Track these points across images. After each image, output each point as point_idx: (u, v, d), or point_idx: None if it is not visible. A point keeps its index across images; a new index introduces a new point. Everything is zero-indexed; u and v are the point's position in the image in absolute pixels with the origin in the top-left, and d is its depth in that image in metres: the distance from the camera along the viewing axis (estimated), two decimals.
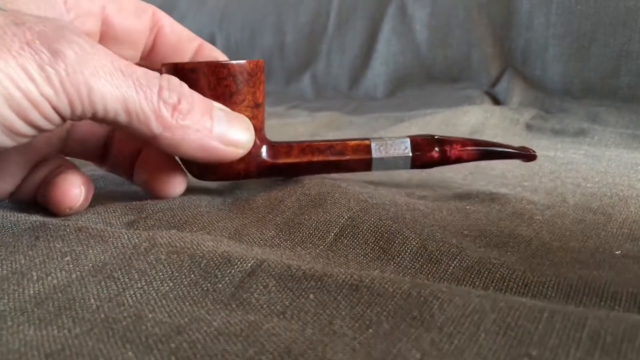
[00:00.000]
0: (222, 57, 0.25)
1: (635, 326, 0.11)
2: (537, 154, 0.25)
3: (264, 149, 0.23)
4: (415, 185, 0.28)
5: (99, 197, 0.26)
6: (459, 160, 0.25)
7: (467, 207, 0.23)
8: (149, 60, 0.24)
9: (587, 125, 0.47)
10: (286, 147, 0.24)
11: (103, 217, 0.22)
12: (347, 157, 0.24)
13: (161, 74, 0.20)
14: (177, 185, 0.23)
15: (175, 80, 0.19)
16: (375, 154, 0.24)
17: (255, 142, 0.22)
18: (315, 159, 0.24)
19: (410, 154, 0.24)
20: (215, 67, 0.21)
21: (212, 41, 0.90)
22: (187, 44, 0.24)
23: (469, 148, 0.24)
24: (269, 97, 0.88)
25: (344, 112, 0.64)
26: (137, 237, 0.17)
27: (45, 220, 0.20)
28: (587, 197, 0.25)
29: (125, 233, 0.18)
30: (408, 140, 0.24)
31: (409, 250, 0.18)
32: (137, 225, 0.21)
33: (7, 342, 0.13)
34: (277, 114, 0.63)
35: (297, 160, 0.24)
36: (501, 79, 0.61)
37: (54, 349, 0.12)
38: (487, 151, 0.25)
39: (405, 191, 0.26)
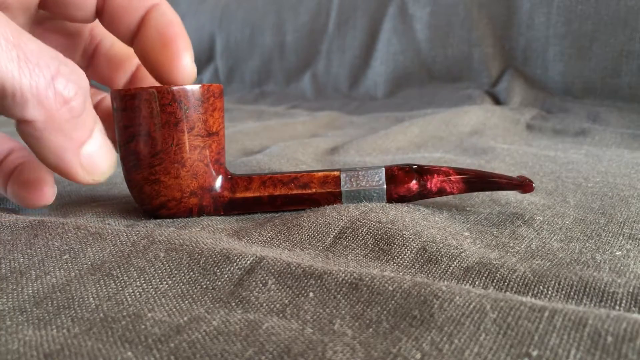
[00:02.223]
0: (174, 21, 0.21)
1: (635, 326, 0.11)
2: (534, 183, 0.22)
3: (218, 181, 0.21)
4: None
5: (99, 198, 0.26)
6: (441, 192, 0.22)
7: (468, 208, 0.23)
8: (104, 21, 0.21)
9: (587, 125, 0.47)
10: (245, 180, 0.22)
11: (102, 218, 0.22)
12: (313, 190, 0.22)
13: (112, 99, 0.20)
14: (46, 192, 0.21)
15: (78, 70, 0.16)
16: (345, 186, 0.22)
17: (210, 173, 0.21)
18: (278, 192, 0.22)
19: (385, 186, 0.22)
20: (157, 93, 0.19)
21: (212, 41, 0.90)
22: (137, 3, 0.21)
23: (454, 178, 0.22)
24: (269, 97, 0.88)
25: (344, 111, 0.64)
26: (135, 235, 0.17)
27: (43, 219, 0.20)
28: (588, 197, 0.24)
29: (124, 231, 0.18)
30: (383, 170, 0.22)
31: (408, 252, 0.18)
32: (135, 226, 0.21)
33: (6, 342, 0.13)
34: (277, 114, 0.63)
35: (258, 194, 0.22)
36: (502, 79, 0.61)
37: (53, 349, 0.12)
38: (476, 182, 0.22)
39: None
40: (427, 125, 0.47)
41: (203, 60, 0.91)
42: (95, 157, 0.17)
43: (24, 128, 0.16)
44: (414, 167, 0.22)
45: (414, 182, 0.22)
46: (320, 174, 0.22)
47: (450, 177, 0.22)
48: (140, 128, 0.19)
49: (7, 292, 0.15)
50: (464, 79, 0.64)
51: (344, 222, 0.20)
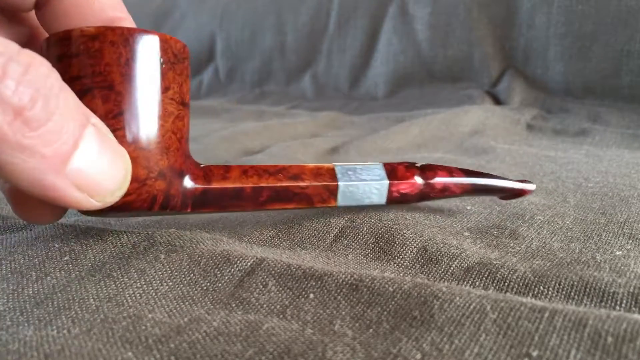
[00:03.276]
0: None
1: (636, 326, 0.11)
2: (533, 185, 0.21)
3: (189, 165, 0.17)
4: None
5: None
6: (445, 191, 0.20)
7: (468, 208, 0.23)
8: (43, 19, 0.16)
9: (588, 125, 0.47)
10: (222, 168, 0.17)
11: (102, 219, 0.22)
12: (306, 183, 0.18)
13: (41, 52, 0.14)
14: (47, 210, 0.16)
15: (37, 66, 0.12)
16: (342, 179, 0.18)
17: (183, 152, 0.16)
18: (263, 183, 0.17)
19: (387, 181, 0.19)
20: (129, 34, 0.15)
21: (212, 41, 0.90)
22: (98, 12, 0.16)
23: (457, 176, 0.20)
24: (269, 97, 0.88)
25: (345, 111, 0.64)
26: (136, 236, 0.17)
27: None
28: (588, 197, 0.24)
29: (124, 232, 0.18)
30: (381, 164, 0.19)
31: (409, 252, 0.18)
32: (136, 227, 0.21)
33: (7, 342, 0.13)
34: (277, 114, 0.63)
35: (239, 184, 0.17)
36: (502, 79, 0.61)
37: (54, 350, 0.12)
38: (481, 185, 0.20)
39: None
40: (427, 125, 0.47)
41: (203, 60, 0.91)
42: (92, 171, 0.13)
43: None
44: (416, 164, 0.20)
45: (416, 177, 0.20)
46: (311, 165, 0.19)
47: (454, 175, 0.20)
48: (98, 79, 0.14)
49: (7, 293, 0.15)
50: (465, 79, 0.64)
51: (344, 220, 0.20)
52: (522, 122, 0.50)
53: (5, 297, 0.14)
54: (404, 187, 0.19)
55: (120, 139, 0.15)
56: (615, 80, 0.54)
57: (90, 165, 0.13)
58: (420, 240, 0.18)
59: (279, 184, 0.18)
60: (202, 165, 0.17)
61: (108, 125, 0.14)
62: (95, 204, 0.13)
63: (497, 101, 0.60)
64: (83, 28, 0.14)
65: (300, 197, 0.18)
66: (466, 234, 0.20)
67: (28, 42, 0.18)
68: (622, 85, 0.53)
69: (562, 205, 0.23)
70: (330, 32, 0.77)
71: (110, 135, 0.14)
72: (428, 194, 0.20)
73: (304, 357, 0.12)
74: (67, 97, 0.12)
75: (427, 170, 0.20)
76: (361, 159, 0.36)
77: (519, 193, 0.21)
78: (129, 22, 0.16)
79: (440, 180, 0.20)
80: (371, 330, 0.13)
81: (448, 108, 0.55)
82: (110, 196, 0.14)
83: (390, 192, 0.19)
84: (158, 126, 0.15)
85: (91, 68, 0.14)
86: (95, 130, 0.13)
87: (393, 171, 0.19)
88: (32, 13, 0.17)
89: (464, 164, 0.34)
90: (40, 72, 0.12)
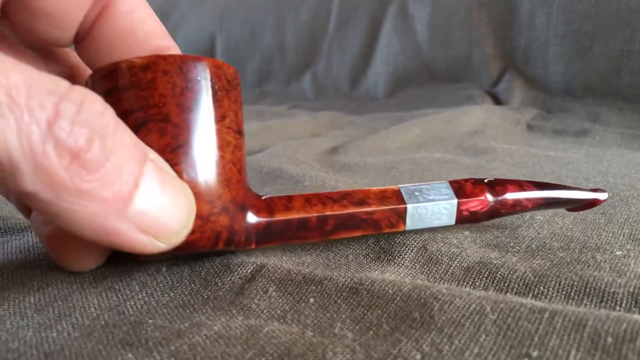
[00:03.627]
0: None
1: (635, 327, 0.11)
2: (606, 194, 0.19)
3: (250, 197, 0.16)
4: None
5: None
6: (517, 205, 0.19)
7: None
8: (84, 53, 0.15)
9: (588, 125, 0.47)
10: (284, 199, 0.16)
11: None
12: (373, 208, 0.17)
13: (86, 85, 0.14)
14: (96, 250, 0.15)
15: (91, 103, 0.11)
16: (410, 201, 0.17)
17: (243, 184, 0.15)
18: (328, 212, 0.16)
19: (455, 200, 0.18)
20: (182, 63, 0.14)
21: (212, 41, 0.90)
22: (143, 42, 0.15)
23: (528, 188, 0.19)
24: (269, 97, 0.88)
25: (345, 112, 0.64)
26: None
27: None
28: None
29: None
30: (447, 183, 0.18)
31: (409, 251, 0.18)
32: None
33: (7, 341, 0.13)
34: (278, 114, 0.63)
35: (303, 214, 0.16)
36: (502, 79, 0.61)
37: (53, 349, 0.12)
38: (553, 198, 0.19)
39: None
40: (427, 125, 0.47)
41: None
42: (156, 211, 0.12)
43: (31, 203, 0.11)
44: (484, 179, 0.19)
45: (487, 194, 0.18)
46: (376, 189, 0.18)
47: (525, 189, 0.19)
48: (152, 112, 0.14)
49: (8, 300, 0.15)
50: (465, 79, 0.64)
51: None
52: (522, 122, 0.51)
53: (7, 304, 0.14)
54: (473, 204, 0.18)
55: (180, 173, 0.14)
56: (615, 80, 0.54)
57: (153, 205, 0.12)
58: (421, 240, 0.18)
59: (344, 211, 0.17)
60: (263, 197, 0.16)
61: (166, 160, 0.13)
62: (161, 246, 0.13)
63: (497, 101, 0.60)
64: (132, 59, 0.14)
65: (367, 223, 0.17)
66: (466, 233, 0.20)
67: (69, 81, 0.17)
68: (622, 85, 0.53)
69: None
70: (330, 32, 0.77)
71: (170, 170, 0.13)
72: (499, 210, 0.19)
73: (304, 358, 0.12)
74: (123, 133, 0.12)
75: (497, 185, 0.19)
76: (361, 159, 0.36)
77: (592, 203, 0.19)
78: (175, 49, 0.16)
79: (511, 196, 0.19)
80: (371, 332, 0.13)
81: (448, 108, 0.54)
82: (176, 236, 0.13)
83: (459, 211, 0.18)
84: (218, 157, 0.14)
85: (144, 101, 0.14)
86: (154, 167, 0.12)
87: (461, 189, 0.18)
88: (71, 50, 0.16)
89: (464, 164, 0.34)
90: (95, 109, 0.11)
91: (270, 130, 0.49)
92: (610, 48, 0.54)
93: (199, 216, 0.14)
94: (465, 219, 0.18)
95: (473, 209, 0.18)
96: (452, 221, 0.18)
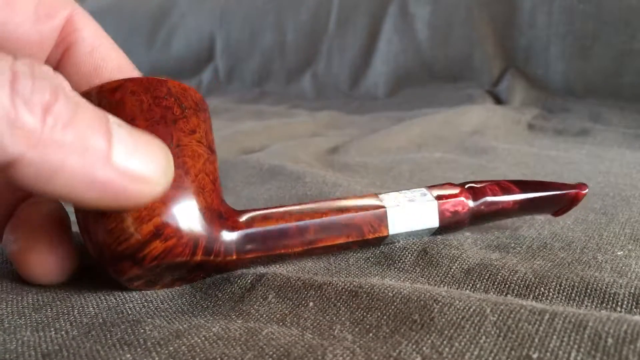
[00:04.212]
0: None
1: (636, 328, 0.11)
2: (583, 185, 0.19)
3: (226, 207, 0.16)
4: None
5: None
6: (499, 204, 0.19)
7: None
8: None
9: (589, 125, 0.47)
10: (262, 210, 0.17)
11: None
12: (351, 213, 0.17)
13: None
14: (59, 266, 0.15)
15: (41, 65, 0.11)
16: (388, 204, 0.17)
17: (217, 193, 0.16)
18: (307, 219, 0.17)
19: (435, 201, 0.18)
20: (149, 83, 0.15)
21: (212, 41, 0.90)
22: (108, 80, 0.15)
23: (511, 194, 0.19)
24: (269, 97, 0.88)
25: (345, 111, 0.64)
26: None
27: None
28: (590, 197, 0.24)
29: None
30: (424, 187, 0.19)
31: (409, 255, 0.18)
32: None
33: (5, 341, 0.13)
34: (278, 114, 0.63)
35: (282, 223, 0.16)
36: (503, 78, 0.61)
37: (51, 350, 0.12)
38: (534, 196, 0.19)
39: None
40: (428, 124, 0.47)
41: (203, 60, 0.91)
42: (136, 158, 0.12)
43: (17, 175, 0.11)
44: (462, 183, 0.19)
45: (465, 194, 0.18)
46: (354, 195, 0.18)
47: (503, 185, 0.19)
48: None
49: (7, 300, 0.15)
50: (465, 79, 0.64)
51: None
52: (523, 121, 0.50)
53: (5, 304, 0.14)
54: (453, 204, 0.18)
55: None
56: (616, 80, 0.53)
57: (131, 153, 0.12)
58: (421, 243, 0.18)
59: (324, 218, 0.17)
60: (240, 211, 0.16)
61: None
62: (156, 189, 0.13)
63: (498, 101, 0.60)
64: (101, 85, 0.14)
65: (349, 228, 0.17)
66: (467, 234, 0.20)
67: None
68: (624, 84, 0.53)
69: None
70: (330, 31, 0.77)
71: (136, 130, 0.13)
72: (483, 210, 0.19)
73: (303, 359, 0.11)
74: (78, 98, 0.12)
75: (474, 186, 0.19)
76: (361, 159, 0.36)
77: (574, 199, 0.19)
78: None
79: (492, 194, 0.19)
80: (371, 334, 0.13)
81: (449, 108, 0.54)
82: (164, 177, 0.13)
83: (441, 212, 0.18)
84: (189, 166, 0.15)
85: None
86: (117, 123, 0.13)
87: (439, 190, 0.19)
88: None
89: (465, 164, 0.34)
90: (45, 69, 0.11)
91: (270, 130, 0.49)
92: (611, 47, 0.54)
93: (175, 221, 0.14)
94: (449, 222, 0.18)
95: (454, 209, 0.18)
96: (436, 223, 0.18)
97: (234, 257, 0.16)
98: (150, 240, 0.14)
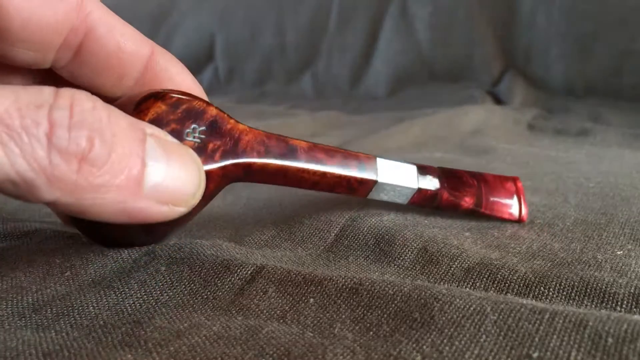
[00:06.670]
0: (181, 70, 0.17)
1: (636, 327, 0.11)
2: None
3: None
4: None
5: None
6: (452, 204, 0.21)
7: None
8: (70, 71, 0.16)
9: (589, 125, 0.47)
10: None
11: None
12: (349, 153, 0.19)
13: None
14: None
15: (81, 102, 0.11)
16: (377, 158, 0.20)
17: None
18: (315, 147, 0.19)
19: (415, 165, 0.20)
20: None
21: (212, 41, 0.90)
22: (130, 55, 0.16)
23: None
24: (269, 97, 0.88)
25: (345, 111, 0.64)
26: (137, 252, 0.17)
27: (43, 228, 0.19)
28: (589, 197, 0.24)
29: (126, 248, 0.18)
30: (414, 166, 0.21)
31: (409, 253, 0.18)
32: None
33: (5, 340, 0.13)
34: (278, 114, 0.63)
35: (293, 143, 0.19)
36: (503, 79, 0.61)
37: (52, 349, 0.12)
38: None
39: None
40: (428, 124, 0.47)
41: (203, 60, 0.91)
42: (168, 181, 0.13)
43: (55, 209, 0.12)
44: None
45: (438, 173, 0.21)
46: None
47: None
48: None
49: (7, 300, 0.15)
50: (465, 79, 0.64)
51: (345, 219, 0.20)
52: (523, 122, 0.50)
53: (5, 304, 0.14)
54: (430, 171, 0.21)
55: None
56: (616, 80, 0.53)
57: (163, 176, 0.13)
58: (421, 241, 0.18)
59: (329, 148, 0.19)
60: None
61: None
62: (181, 210, 0.14)
63: (498, 101, 0.60)
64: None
65: (348, 159, 0.19)
66: (467, 234, 0.20)
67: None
68: (624, 85, 0.53)
69: (563, 206, 0.23)
70: (330, 31, 0.77)
71: (170, 138, 0.14)
72: (443, 203, 0.21)
73: (304, 359, 0.11)
74: (117, 119, 0.12)
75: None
76: None
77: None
78: (159, 51, 0.17)
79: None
80: (371, 332, 0.13)
81: (449, 108, 0.54)
82: (193, 199, 0.14)
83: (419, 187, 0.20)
84: None
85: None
86: (155, 141, 0.13)
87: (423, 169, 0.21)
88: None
89: (465, 164, 0.34)
90: (85, 107, 0.11)
91: (270, 130, 0.49)
92: (611, 48, 0.54)
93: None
94: (423, 200, 0.20)
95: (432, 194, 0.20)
96: (415, 184, 0.20)
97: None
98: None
